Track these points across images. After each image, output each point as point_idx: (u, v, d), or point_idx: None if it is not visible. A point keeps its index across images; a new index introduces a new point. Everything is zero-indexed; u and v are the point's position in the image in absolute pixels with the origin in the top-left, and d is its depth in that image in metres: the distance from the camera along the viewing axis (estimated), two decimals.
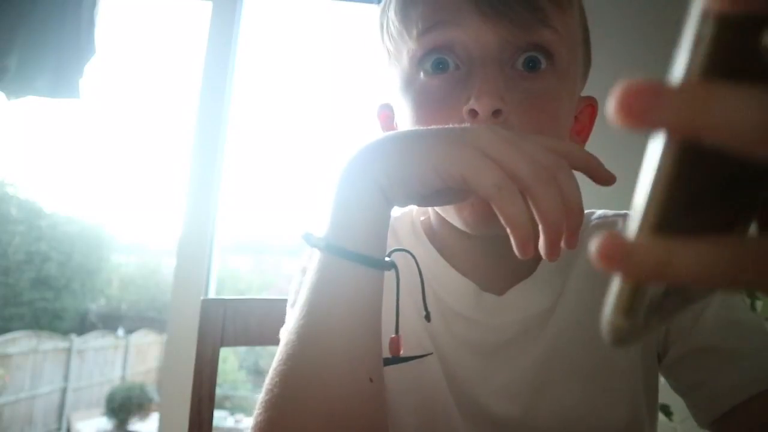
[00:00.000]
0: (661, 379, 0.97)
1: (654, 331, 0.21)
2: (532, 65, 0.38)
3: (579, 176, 0.32)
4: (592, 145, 0.46)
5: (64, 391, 4.53)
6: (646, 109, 0.12)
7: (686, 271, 0.12)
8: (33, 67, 1.26)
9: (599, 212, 0.49)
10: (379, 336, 0.34)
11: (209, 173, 1.36)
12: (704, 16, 0.12)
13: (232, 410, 4.43)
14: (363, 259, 0.33)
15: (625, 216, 0.48)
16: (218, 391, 0.69)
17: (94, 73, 1.34)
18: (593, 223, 0.48)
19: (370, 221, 0.34)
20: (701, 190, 0.14)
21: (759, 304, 1.00)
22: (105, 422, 4.34)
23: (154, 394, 4.46)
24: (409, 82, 0.40)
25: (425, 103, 0.39)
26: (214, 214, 1.35)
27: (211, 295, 1.34)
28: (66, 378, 4.58)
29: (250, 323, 0.70)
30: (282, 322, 0.74)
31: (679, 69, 0.14)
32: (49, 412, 4.44)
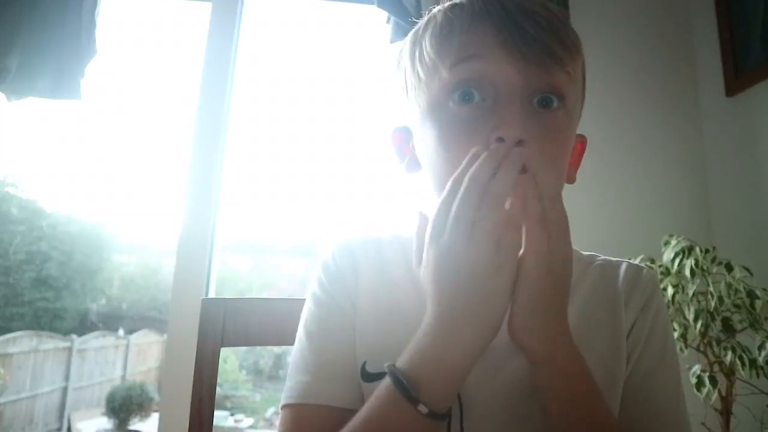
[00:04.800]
0: None
1: None
2: (545, 103, 0.43)
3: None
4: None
5: (64, 390, 4.53)
6: None
7: None
8: (34, 67, 1.26)
9: (603, 257, 0.55)
10: None
11: (209, 173, 1.36)
12: None
13: (233, 410, 4.42)
14: (438, 417, 0.39)
15: (624, 261, 0.54)
16: (219, 390, 0.69)
17: (94, 73, 1.34)
18: (597, 263, 0.54)
19: (459, 379, 0.40)
20: None
21: (758, 303, 0.99)
22: (105, 422, 4.34)
23: (154, 393, 4.45)
24: (438, 108, 0.45)
25: (453, 128, 0.43)
26: (214, 214, 1.35)
27: (211, 295, 1.34)
28: (67, 377, 4.58)
29: (251, 323, 0.70)
30: (282, 322, 0.74)
31: None
32: (50, 411, 4.43)
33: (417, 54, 0.47)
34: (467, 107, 0.43)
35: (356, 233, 0.56)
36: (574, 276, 0.49)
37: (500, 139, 0.40)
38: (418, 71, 0.47)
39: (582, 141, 0.52)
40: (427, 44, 0.46)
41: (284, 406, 0.49)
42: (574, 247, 0.52)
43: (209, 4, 1.46)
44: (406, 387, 0.38)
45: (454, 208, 0.38)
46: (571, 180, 0.50)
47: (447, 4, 0.47)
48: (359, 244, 0.55)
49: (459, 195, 0.38)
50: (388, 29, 1.43)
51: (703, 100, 1.51)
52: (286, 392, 0.49)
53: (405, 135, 0.52)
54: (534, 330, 0.39)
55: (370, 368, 0.47)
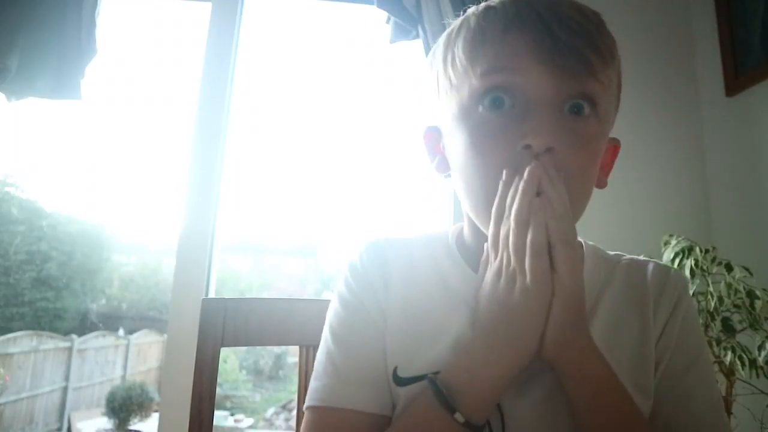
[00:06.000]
0: None
1: None
2: (576, 110, 0.43)
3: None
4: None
5: (64, 390, 4.53)
6: None
7: None
8: (34, 67, 1.26)
9: (628, 256, 0.56)
10: None
11: (209, 173, 1.36)
12: None
13: (233, 410, 4.43)
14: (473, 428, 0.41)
15: (651, 261, 0.54)
16: (219, 390, 0.69)
17: (94, 73, 1.34)
18: (624, 262, 0.55)
19: (494, 393, 0.42)
20: None
21: (758, 303, 0.99)
22: (105, 422, 4.34)
23: (154, 393, 4.45)
24: (468, 114, 0.45)
25: (482, 135, 0.44)
26: (214, 214, 1.35)
27: (211, 295, 1.34)
28: (67, 377, 4.58)
29: (251, 323, 0.70)
30: (282, 322, 0.74)
31: None
32: (50, 411, 4.43)
33: (449, 58, 0.47)
34: (497, 114, 0.43)
35: (385, 233, 0.56)
36: (603, 276, 0.51)
37: (528, 146, 0.41)
38: (450, 75, 0.47)
39: (616, 145, 0.52)
40: (459, 49, 0.46)
41: (308, 408, 0.48)
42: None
43: (209, 4, 1.46)
44: (444, 395, 0.41)
45: (494, 237, 0.42)
46: (602, 185, 0.50)
47: (481, 7, 0.46)
48: (389, 246, 0.54)
49: (498, 225, 0.42)
50: (388, 29, 1.43)
51: (703, 100, 1.51)
52: (311, 393, 0.49)
53: (436, 134, 0.52)
54: (567, 344, 0.42)
55: (402, 372, 0.47)
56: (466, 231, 0.53)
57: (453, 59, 0.47)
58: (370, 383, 0.48)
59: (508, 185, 0.41)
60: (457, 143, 0.47)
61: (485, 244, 0.46)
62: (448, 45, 0.48)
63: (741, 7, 1.40)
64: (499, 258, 0.42)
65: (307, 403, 0.48)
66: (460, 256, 0.52)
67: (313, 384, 0.49)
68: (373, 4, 1.40)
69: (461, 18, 0.48)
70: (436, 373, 0.44)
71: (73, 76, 1.29)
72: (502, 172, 0.42)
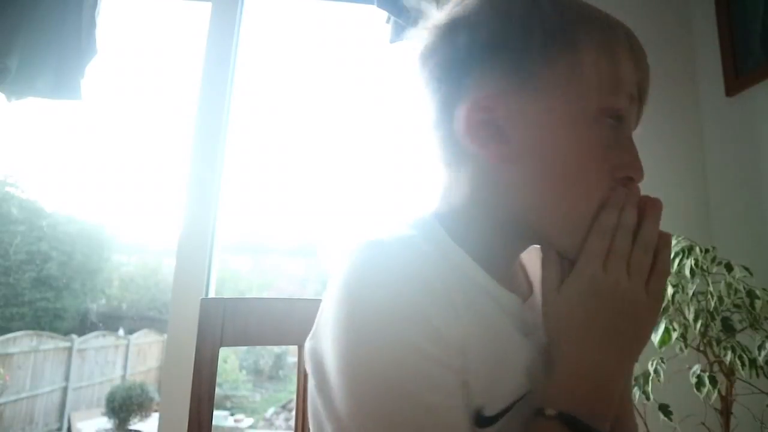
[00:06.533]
0: (662, 379, 0.97)
1: None
2: None
3: None
4: None
5: (64, 390, 4.53)
6: None
7: None
8: (34, 67, 1.26)
9: None
10: None
11: (209, 173, 1.36)
12: None
13: (233, 410, 4.43)
14: None
15: None
16: (218, 390, 0.69)
17: (94, 73, 1.34)
18: None
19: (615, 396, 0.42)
20: None
21: (758, 303, 0.99)
22: (105, 422, 4.34)
23: (154, 393, 4.46)
24: (596, 120, 0.43)
25: (605, 148, 0.43)
26: (214, 214, 1.35)
27: (211, 295, 1.34)
28: (67, 377, 4.58)
29: (250, 323, 0.71)
30: (281, 322, 0.74)
31: None
32: (50, 411, 4.43)
33: (602, 58, 0.43)
34: (607, 130, 0.44)
35: (384, 234, 0.42)
36: None
37: (631, 179, 0.45)
38: (584, 72, 0.42)
39: None
40: (622, 60, 0.44)
41: None
42: None
43: (209, 4, 1.46)
44: (592, 429, 0.38)
45: (609, 246, 0.43)
46: None
47: (619, 27, 0.46)
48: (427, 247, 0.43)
49: (614, 236, 0.43)
50: (388, 29, 1.43)
51: (703, 100, 1.51)
52: None
53: (489, 114, 0.43)
54: None
55: (488, 411, 0.40)
56: (470, 217, 0.45)
57: (596, 61, 0.43)
58: None
59: (618, 204, 0.44)
60: (569, 143, 0.42)
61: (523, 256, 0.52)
62: (604, 46, 0.43)
63: (741, 8, 1.40)
64: (614, 272, 0.42)
65: None
66: (452, 242, 0.44)
67: None
68: (373, 4, 1.40)
69: (596, 21, 0.45)
70: (521, 398, 0.41)
71: (73, 76, 1.29)
72: (603, 189, 0.44)
